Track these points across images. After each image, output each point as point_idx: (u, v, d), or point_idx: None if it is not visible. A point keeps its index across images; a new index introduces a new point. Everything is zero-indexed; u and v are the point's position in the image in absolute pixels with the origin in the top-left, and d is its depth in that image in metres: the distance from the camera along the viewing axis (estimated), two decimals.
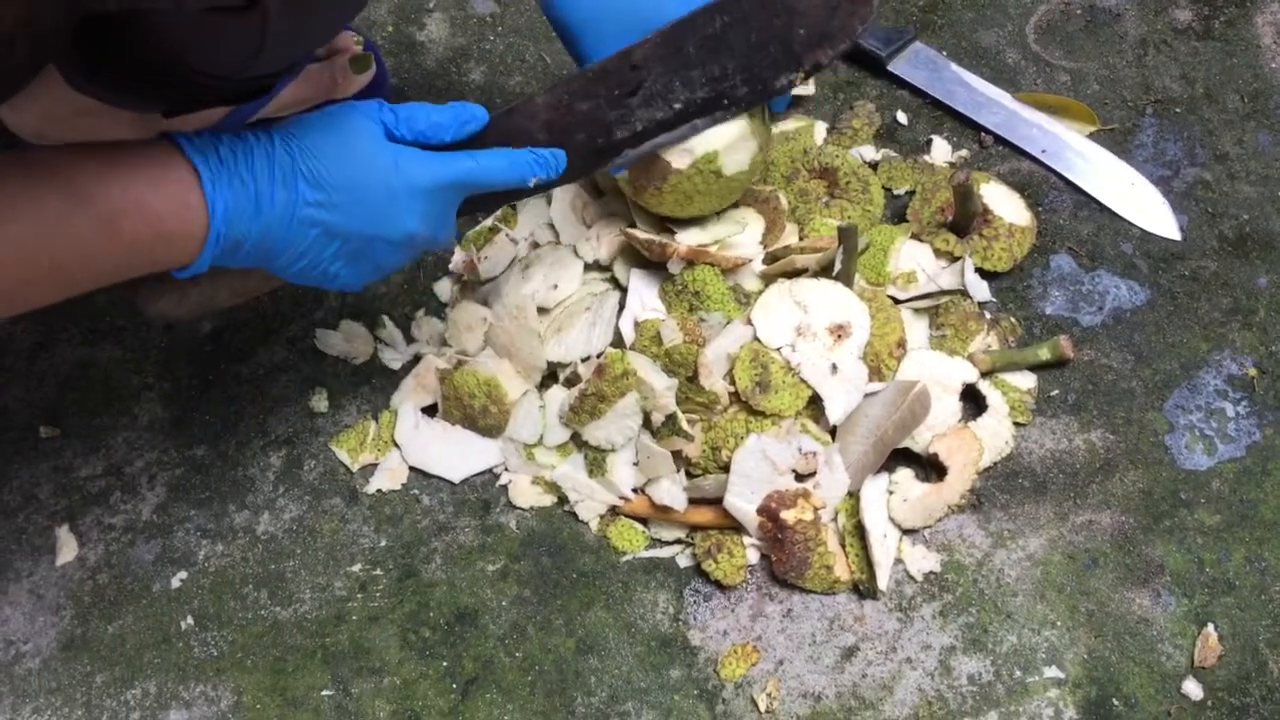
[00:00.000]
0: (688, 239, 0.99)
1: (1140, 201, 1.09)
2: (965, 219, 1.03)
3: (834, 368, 0.94)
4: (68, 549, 1.01)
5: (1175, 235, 1.07)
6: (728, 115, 0.93)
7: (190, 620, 0.98)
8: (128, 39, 0.79)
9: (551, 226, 1.07)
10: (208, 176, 0.76)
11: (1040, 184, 1.10)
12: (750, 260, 1.01)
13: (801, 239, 1.03)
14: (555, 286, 1.03)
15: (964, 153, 1.12)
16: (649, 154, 0.93)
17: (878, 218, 1.06)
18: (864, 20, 0.90)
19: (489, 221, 1.09)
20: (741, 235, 1.01)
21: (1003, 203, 1.05)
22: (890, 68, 1.16)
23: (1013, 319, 1.04)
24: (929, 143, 1.12)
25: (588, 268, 1.04)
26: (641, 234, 0.99)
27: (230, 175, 0.77)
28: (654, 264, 1.00)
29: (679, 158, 0.94)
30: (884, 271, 1.02)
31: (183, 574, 0.99)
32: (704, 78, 0.91)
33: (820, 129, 1.11)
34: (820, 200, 1.06)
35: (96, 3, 0.71)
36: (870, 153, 1.12)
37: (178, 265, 0.78)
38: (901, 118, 1.14)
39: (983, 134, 1.13)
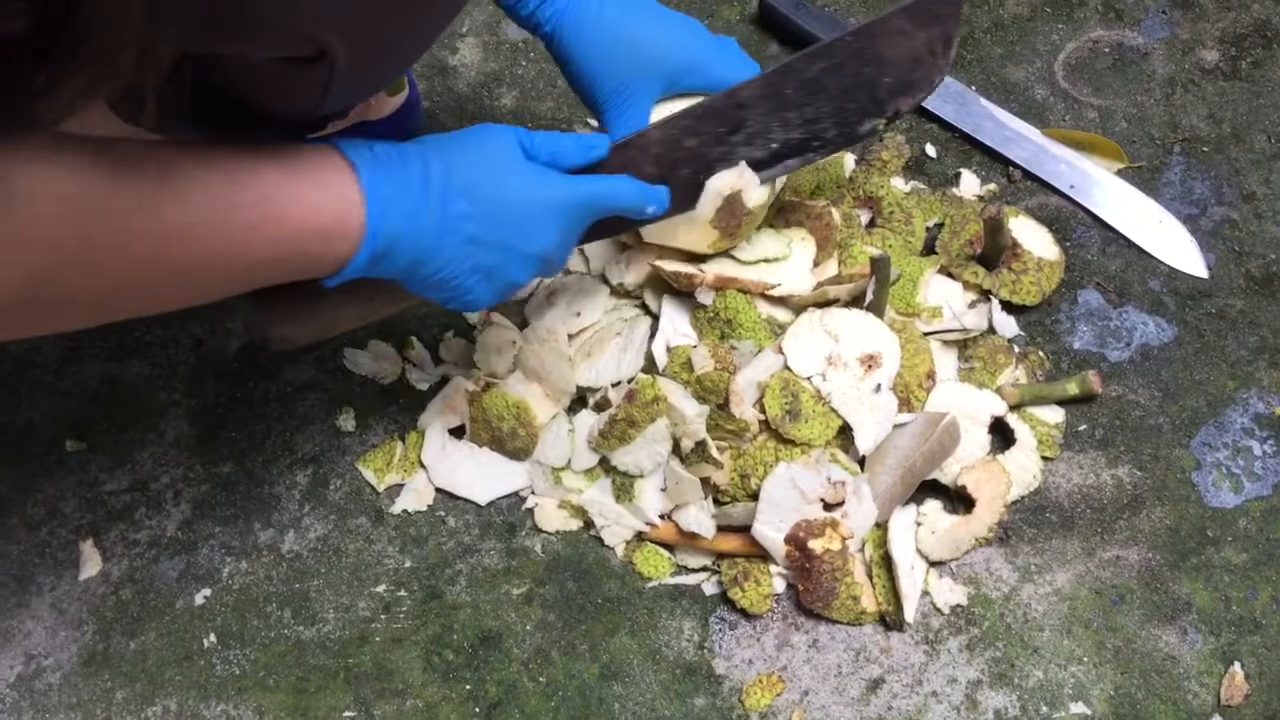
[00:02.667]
0: (738, 254, 1.00)
1: (1168, 239, 1.09)
2: (994, 252, 1.03)
3: (879, 388, 0.94)
4: (91, 564, 1.01)
5: (1202, 273, 1.08)
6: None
7: (213, 638, 0.97)
8: (189, 81, 0.79)
9: (581, 251, 1.07)
10: (367, 176, 0.76)
11: (1068, 219, 1.10)
12: (775, 286, 1.01)
13: (841, 264, 1.03)
14: (579, 314, 1.03)
15: (992, 186, 1.13)
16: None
17: (917, 249, 1.07)
18: (943, 72, 0.95)
19: None
20: (789, 256, 1.01)
21: (1031, 237, 1.05)
22: None
23: (1041, 353, 1.04)
24: (958, 176, 1.13)
25: (617, 293, 1.05)
26: (669, 265, 0.99)
27: (388, 176, 0.77)
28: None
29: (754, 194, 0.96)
30: (913, 302, 1.02)
31: (206, 591, 0.99)
32: (799, 119, 0.94)
33: (849, 159, 1.12)
34: (861, 227, 1.07)
35: (168, 43, 0.71)
36: (900, 184, 1.12)
37: (331, 269, 0.78)
38: (930, 150, 1.15)
39: (1011, 168, 1.14)
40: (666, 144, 0.92)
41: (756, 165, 0.95)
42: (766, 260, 1.00)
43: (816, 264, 1.03)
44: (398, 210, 0.77)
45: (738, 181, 0.94)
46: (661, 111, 0.95)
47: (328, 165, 0.76)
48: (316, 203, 0.75)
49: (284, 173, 0.74)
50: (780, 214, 1.04)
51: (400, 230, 0.78)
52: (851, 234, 1.06)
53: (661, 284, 1.02)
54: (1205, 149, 1.14)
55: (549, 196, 0.84)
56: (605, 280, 1.05)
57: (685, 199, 0.94)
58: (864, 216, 1.08)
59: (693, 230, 0.97)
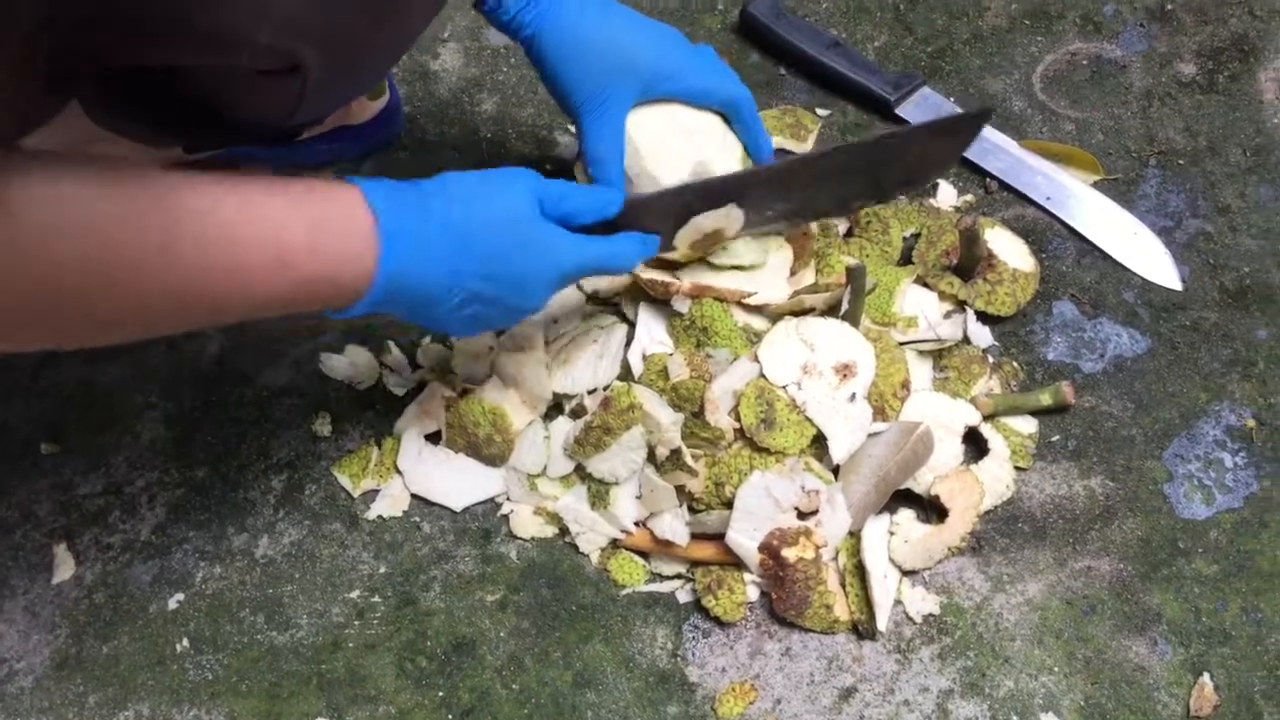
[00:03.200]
0: (714, 259, 1.01)
1: (1142, 251, 1.10)
2: (970, 263, 1.04)
3: (854, 397, 0.95)
4: (65, 567, 1.00)
5: (1177, 285, 1.08)
6: (804, 221, 1.02)
7: (186, 643, 0.97)
8: (164, 89, 0.79)
9: None
10: (386, 231, 0.77)
11: (1044, 231, 1.11)
12: (751, 295, 1.01)
13: (818, 273, 1.04)
14: (555, 321, 1.04)
15: (969, 197, 1.13)
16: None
17: (894, 259, 1.07)
18: (948, 169, 1.02)
19: None
20: (765, 264, 1.02)
21: (1007, 248, 1.06)
22: (898, 111, 1.17)
23: (1015, 364, 1.05)
24: (935, 187, 1.13)
25: (594, 301, 1.05)
26: (645, 273, 1.00)
27: (407, 233, 0.78)
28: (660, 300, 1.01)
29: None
30: (889, 312, 1.03)
31: (180, 596, 0.99)
32: (800, 197, 0.98)
33: None
34: (839, 236, 1.07)
35: (150, 58, 0.71)
36: None
37: (334, 308, 0.79)
38: None
39: (988, 179, 1.14)
40: (677, 207, 0.94)
41: (747, 225, 0.98)
42: (741, 267, 1.00)
43: (793, 273, 1.03)
44: (412, 268, 0.79)
45: (723, 220, 0.95)
46: (638, 116, 0.96)
47: (351, 216, 0.77)
48: (335, 257, 0.76)
49: (307, 220, 0.74)
50: None
51: (408, 284, 0.79)
52: (829, 243, 1.06)
53: (638, 291, 1.02)
54: (1181, 162, 1.15)
55: (555, 263, 0.86)
56: (581, 288, 1.05)
57: (667, 242, 0.97)
58: (841, 226, 1.09)
59: None
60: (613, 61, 0.94)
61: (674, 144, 0.98)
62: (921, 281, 1.05)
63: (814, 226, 1.05)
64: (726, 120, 1.01)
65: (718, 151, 0.99)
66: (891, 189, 1.01)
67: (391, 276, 0.78)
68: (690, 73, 0.96)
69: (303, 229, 0.74)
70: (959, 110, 1.17)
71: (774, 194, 0.97)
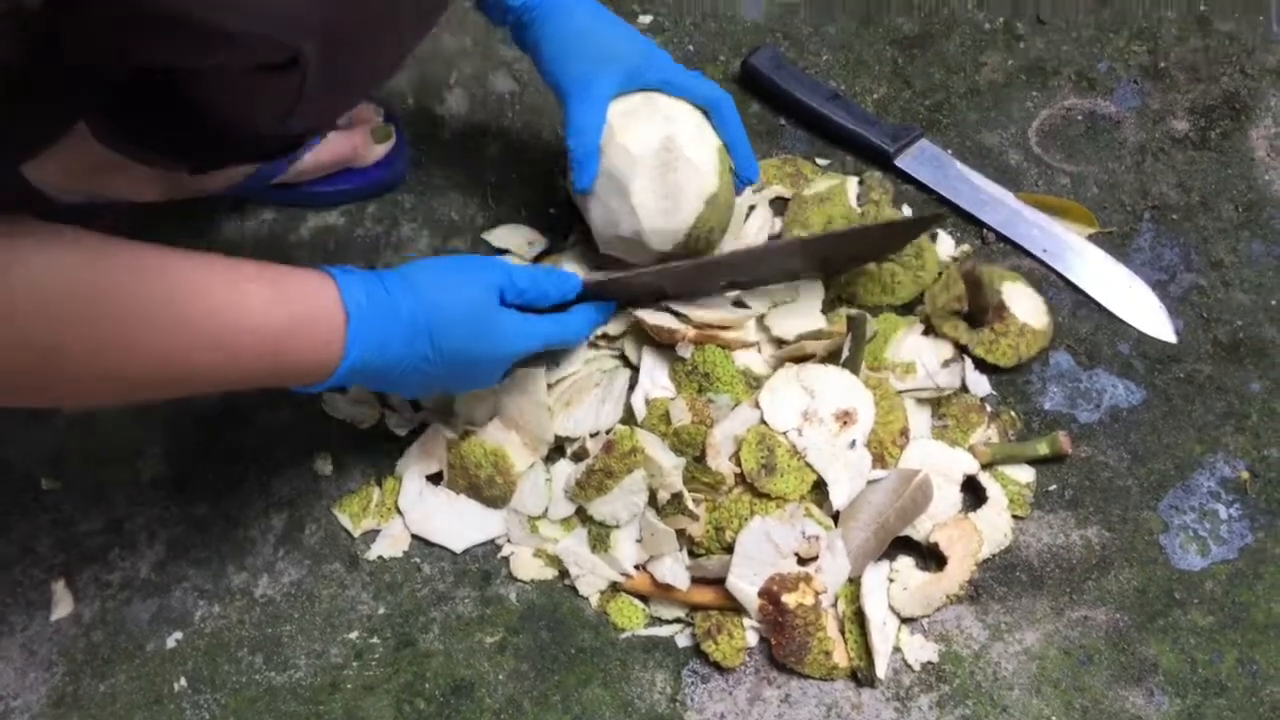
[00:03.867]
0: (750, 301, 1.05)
1: (1137, 303, 1.11)
2: (979, 310, 1.05)
3: (854, 444, 0.96)
4: (63, 604, 1.00)
5: (1171, 338, 1.10)
6: (759, 285, 1.07)
7: (183, 682, 0.97)
8: (161, 93, 0.80)
9: None
10: (354, 324, 0.83)
11: (1040, 282, 1.13)
12: (754, 344, 1.03)
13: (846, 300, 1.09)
14: (558, 364, 1.04)
15: (966, 248, 1.15)
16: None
17: (928, 283, 1.09)
18: (900, 249, 1.07)
19: None
20: (796, 299, 1.07)
21: (1022, 302, 1.07)
22: (897, 162, 1.19)
23: (1012, 413, 1.06)
24: (934, 237, 1.15)
25: (596, 344, 1.06)
26: (650, 318, 1.01)
27: (372, 325, 0.84)
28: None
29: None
30: (881, 357, 1.04)
31: (178, 634, 0.99)
32: (759, 272, 1.06)
33: (852, 186, 1.14)
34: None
35: (143, 59, 0.72)
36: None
37: (304, 385, 0.85)
38: (907, 211, 1.17)
39: (985, 231, 1.16)
40: (642, 286, 1.02)
41: (702, 293, 1.05)
42: (775, 305, 1.05)
43: (826, 302, 1.08)
44: (375, 358, 0.85)
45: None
46: (620, 104, 1.01)
47: (326, 310, 0.83)
48: (309, 345, 0.82)
49: (288, 310, 0.80)
50: None
51: (369, 369, 0.86)
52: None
53: (642, 335, 1.03)
54: (1174, 216, 1.17)
55: (508, 348, 0.93)
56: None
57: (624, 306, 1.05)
58: None
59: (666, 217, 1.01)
60: (600, 49, 1.01)
61: (646, 120, 1.00)
62: (928, 323, 1.07)
63: None
64: (708, 118, 1.04)
65: (690, 139, 1.00)
66: (838, 269, 1.08)
67: (356, 364, 0.84)
68: (672, 68, 1.03)
69: (283, 317, 0.80)
70: (956, 163, 1.19)
71: (739, 270, 1.04)
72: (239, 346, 0.78)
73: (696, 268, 1.02)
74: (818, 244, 1.05)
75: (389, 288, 0.87)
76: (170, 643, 0.98)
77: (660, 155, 0.98)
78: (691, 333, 0.99)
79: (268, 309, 0.79)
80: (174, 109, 0.82)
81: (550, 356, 1.04)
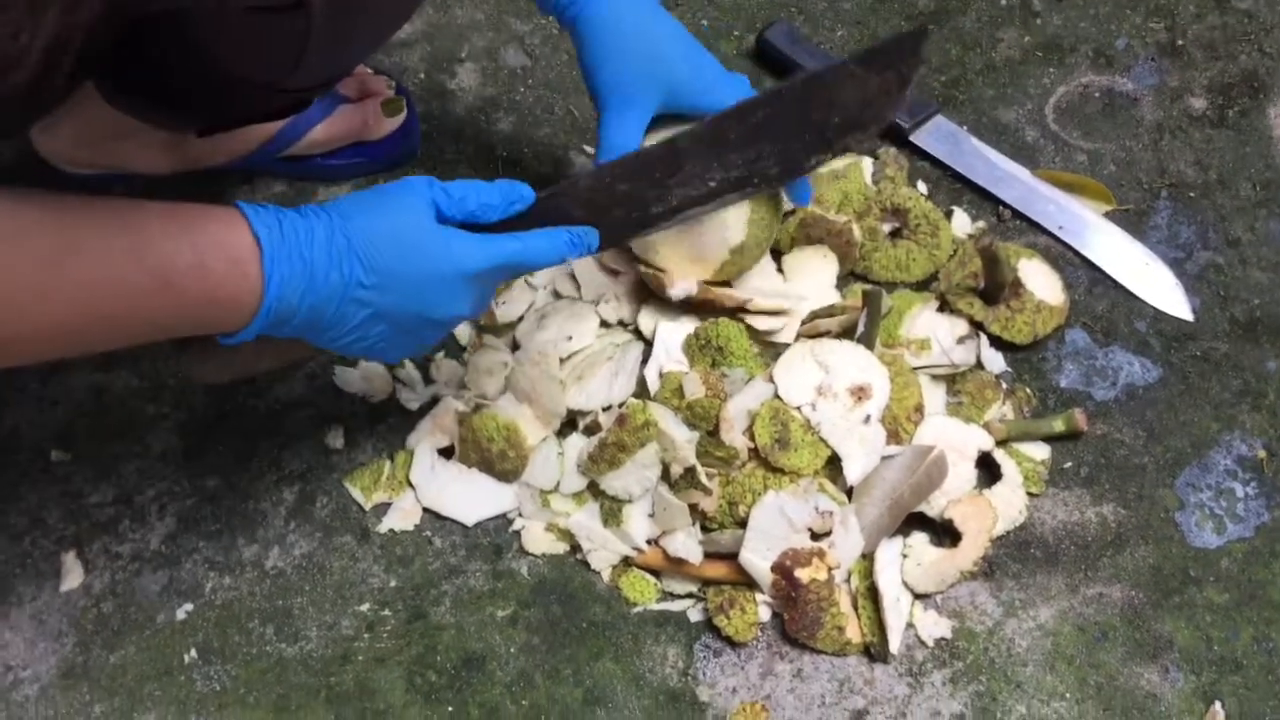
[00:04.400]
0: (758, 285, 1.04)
1: (1154, 281, 1.10)
2: (995, 287, 1.04)
3: (868, 419, 0.95)
4: (73, 575, 1.00)
5: (1188, 316, 1.09)
6: (758, 191, 0.96)
7: (194, 653, 0.96)
8: (166, 43, 0.79)
9: (573, 277, 1.08)
10: (268, 249, 0.76)
11: (1056, 259, 1.12)
12: (747, 301, 1.02)
13: (866, 272, 1.09)
14: (570, 338, 1.04)
15: (981, 224, 1.14)
16: (680, 225, 0.97)
17: (943, 261, 1.08)
18: (897, 108, 0.94)
19: None
20: (811, 276, 1.05)
21: (1039, 279, 1.06)
22: (912, 138, 1.18)
23: (1028, 390, 1.05)
24: (950, 213, 1.14)
25: (608, 323, 1.05)
26: (644, 267, 1.01)
27: (289, 250, 0.77)
28: (680, 316, 1.02)
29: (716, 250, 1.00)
30: (896, 334, 1.04)
31: (188, 606, 0.98)
32: (740, 160, 0.93)
33: (867, 164, 1.14)
34: (886, 238, 1.09)
35: (139, 5, 0.71)
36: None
37: (227, 330, 0.78)
38: (922, 188, 1.16)
39: (1001, 208, 1.15)
40: (597, 189, 0.91)
41: (693, 202, 0.94)
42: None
43: (840, 278, 1.07)
44: (294, 286, 0.77)
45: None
46: (651, 139, 0.96)
47: (232, 237, 0.76)
48: (214, 277, 0.75)
49: (186, 242, 0.74)
50: (802, 229, 1.07)
51: (297, 304, 0.78)
52: (876, 245, 1.08)
53: (652, 305, 1.03)
54: (1192, 194, 1.16)
55: (460, 267, 0.83)
56: (597, 311, 1.05)
57: (617, 239, 0.95)
58: (887, 228, 1.10)
59: (691, 265, 1.00)
60: (647, 64, 0.95)
61: None
62: (943, 300, 1.06)
63: (856, 232, 1.05)
64: None
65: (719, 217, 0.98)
66: (837, 136, 0.94)
67: (277, 299, 0.77)
68: (717, 91, 0.97)
69: (188, 251, 0.74)
70: (972, 140, 1.18)
71: (710, 158, 0.93)
72: (142, 286, 0.72)
73: (672, 151, 0.92)
74: (796, 92, 0.92)
75: (304, 214, 0.79)
76: (180, 614, 0.98)
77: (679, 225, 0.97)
78: (677, 279, 1.00)
79: (169, 244, 0.73)
80: (178, 62, 0.81)
81: (561, 328, 1.03)
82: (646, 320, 1.03)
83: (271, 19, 0.76)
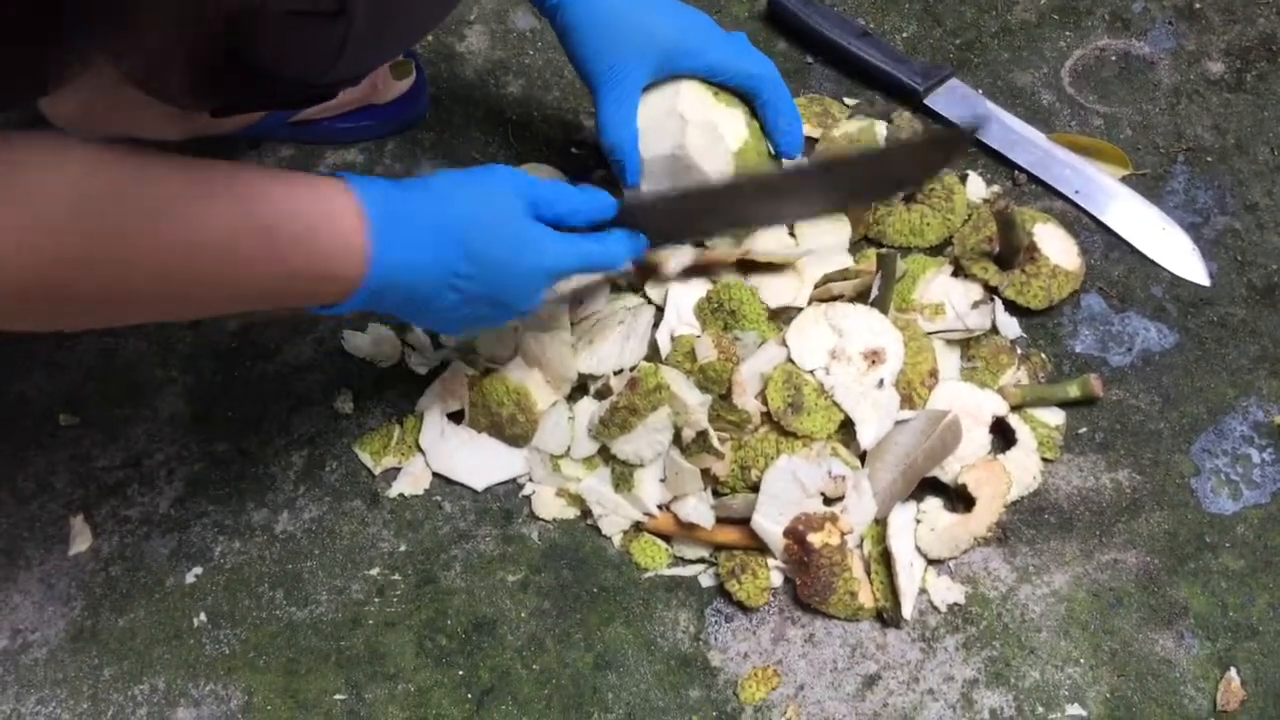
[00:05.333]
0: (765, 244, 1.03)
1: (1171, 246, 1.09)
2: (1010, 252, 1.03)
3: (881, 383, 0.94)
4: (82, 539, 0.99)
5: (1205, 281, 1.08)
6: (793, 220, 1.04)
7: (203, 617, 0.96)
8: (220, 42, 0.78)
9: None
10: (377, 226, 0.76)
11: (1072, 223, 1.10)
12: (746, 252, 1.02)
13: (879, 237, 1.08)
14: (581, 301, 1.03)
15: (996, 188, 1.13)
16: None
17: (957, 226, 1.07)
18: (936, 174, 1.03)
19: None
20: (823, 239, 1.05)
21: (1053, 244, 1.05)
22: (927, 102, 1.17)
23: (1043, 355, 1.04)
24: (964, 177, 1.13)
25: (619, 288, 1.04)
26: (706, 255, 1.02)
27: (396, 229, 0.77)
28: (691, 279, 1.01)
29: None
30: (910, 299, 1.03)
31: (198, 570, 0.98)
32: (787, 204, 0.97)
33: (880, 128, 1.12)
34: (900, 202, 1.08)
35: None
36: None
37: (326, 302, 0.78)
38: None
39: (1016, 172, 1.14)
40: (674, 214, 0.93)
41: (740, 225, 1.01)
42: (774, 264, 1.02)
43: (853, 244, 1.06)
44: (403, 266, 0.78)
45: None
46: (654, 92, 0.97)
47: (343, 212, 0.76)
48: (322, 249, 0.75)
49: (301, 212, 0.74)
50: None
51: (399, 282, 0.79)
52: (890, 210, 1.07)
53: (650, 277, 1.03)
54: (1209, 159, 1.14)
55: (548, 265, 0.86)
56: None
57: (656, 242, 0.97)
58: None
59: None
60: (632, 34, 0.95)
61: (660, 126, 0.98)
62: (957, 265, 1.05)
63: None
64: (751, 112, 1.00)
65: (702, 149, 0.98)
66: (882, 195, 1.03)
67: (382, 274, 0.77)
68: (710, 51, 0.97)
69: (296, 220, 0.73)
70: (987, 103, 1.17)
71: (758, 200, 0.95)
72: (248, 250, 0.72)
73: (721, 195, 0.95)
74: (855, 163, 0.96)
75: (405, 190, 0.80)
76: (189, 578, 0.98)
77: (669, 164, 0.98)
78: (671, 263, 1.00)
79: (278, 207, 0.73)
80: (214, 55, 0.80)
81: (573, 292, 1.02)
82: (654, 289, 1.02)
83: (312, 23, 0.75)
